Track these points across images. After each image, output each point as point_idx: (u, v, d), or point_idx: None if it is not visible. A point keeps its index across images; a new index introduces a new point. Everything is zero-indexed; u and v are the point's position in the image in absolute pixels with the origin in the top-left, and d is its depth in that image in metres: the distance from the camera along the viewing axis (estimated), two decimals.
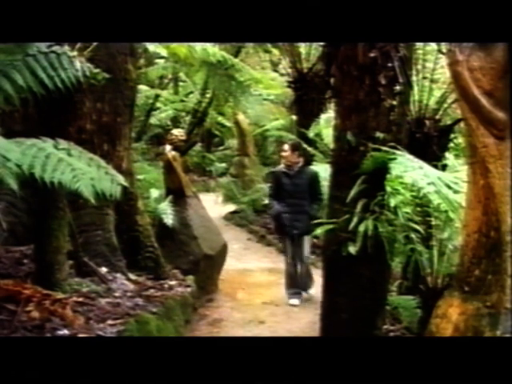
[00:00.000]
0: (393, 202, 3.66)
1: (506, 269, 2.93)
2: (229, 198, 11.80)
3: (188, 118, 11.60)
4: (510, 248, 2.92)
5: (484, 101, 2.83)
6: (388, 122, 3.90)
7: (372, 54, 3.78)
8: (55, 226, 4.29)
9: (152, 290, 5.17)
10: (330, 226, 4.03)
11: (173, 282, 5.60)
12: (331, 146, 4.54)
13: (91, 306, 4.32)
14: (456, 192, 3.32)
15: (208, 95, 10.49)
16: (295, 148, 6.06)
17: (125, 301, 4.64)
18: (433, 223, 3.91)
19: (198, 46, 7.67)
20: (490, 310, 2.94)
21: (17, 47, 3.53)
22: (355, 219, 3.78)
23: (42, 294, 3.95)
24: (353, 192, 3.81)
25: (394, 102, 3.87)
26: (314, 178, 5.96)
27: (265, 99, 11.16)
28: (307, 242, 6.00)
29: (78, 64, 3.70)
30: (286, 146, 6.13)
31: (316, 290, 5.87)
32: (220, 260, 6.77)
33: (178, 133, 7.18)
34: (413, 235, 3.74)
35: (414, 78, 4.72)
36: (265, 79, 10.03)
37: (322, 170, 6.78)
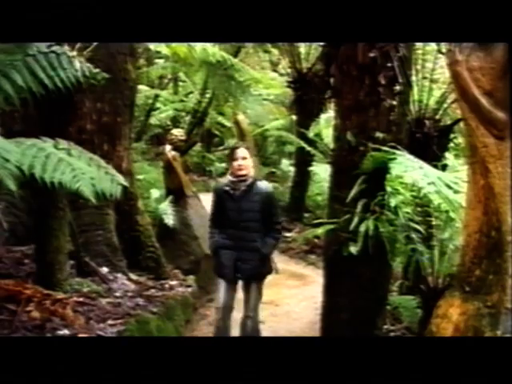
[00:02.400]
0: (393, 202, 3.66)
1: (506, 269, 2.93)
2: None
3: (188, 118, 11.59)
4: (510, 248, 2.92)
5: (484, 101, 2.83)
6: (388, 122, 3.90)
7: (372, 54, 3.79)
8: (56, 226, 4.29)
9: (153, 290, 5.17)
10: (331, 226, 4.03)
11: (173, 282, 5.61)
12: (331, 145, 4.54)
13: (92, 305, 4.32)
14: (456, 192, 3.32)
15: (208, 95, 10.48)
16: (248, 154, 4.02)
17: (125, 301, 4.65)
18: (433, 223, 3.91)
19: (198, 46, 7.67)
20: (490, 310, 2.94)
21: (17, 47, 3.53)
22: (356, 219, 3.78)
23: (42, 294, 3.95)
24: (353, 192, 3.82)
25: (394, 102, 3.88)
26: (269, 199, 3.96)
27: (265, 99, 11.17)
28: (256, 289, 4.06)
29: (77, 64, 3.70)
30: (240, 152, 3.96)
31: (316, 290, 5.87)
32: None
33: (178, 133, 7.18)
34: (413, 235, 3.74)
35: (414, 78, 4.73)
36: (265, 79, 10.03)
37: (322, 170, 6.78)
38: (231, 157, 3.96)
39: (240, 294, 4.11)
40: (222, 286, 4.01)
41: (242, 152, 3.94)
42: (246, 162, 3.92)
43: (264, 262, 3.94)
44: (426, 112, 5.03)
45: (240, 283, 4.05)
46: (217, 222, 4.06)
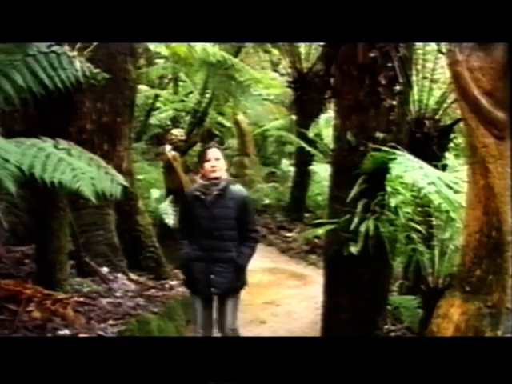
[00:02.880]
0: (393, 202, 3.66)
1: (506, 269, 2.94)
2: None
3: (188, 118, 11.58)
4: (510, 248, 2.92)
5: (484, 101, 2.83)
6: (388, 122, 3.90)
7: (372, 54, 3.79)
8: (56, 226, 4.30)
9: (153, 290, 5.18)
10: (331, 226, 4.03)
11: (174, 282, 5.61)
12: (331, 145, 4.54)
13: (92, 305, 4.32)
14: (456, 192, 3.32)
15: (208, 95, 10.48)
16: (221, 154, 3.64)
17: (126, 301, 4.65)
18: (434, 223, 3.90)
19: (198, 46, 7.67)
20: (491, 310, 2.94)
21: (17, 47, 3.53)
22: (356, 219, 3.78)
23: (43, 294, 3.95)
24: (353, 192, 3.82)
25: (394, 102, 3.88)
26: (244, 204, 3.60)
27: (265, 99, 11.16)
28: (232, 305, 3.68)
29: (77, 64, 3.71)
30: (212, 152, 3.58)
31: (317, 290, 5.87)
32: None
33: (178, 133, 7.19)
34: (414, 235, 3.74)
35: (414, 78, 4.72)
36: (265, 79, 10.02)
37: (322, 170, 6.78)
38: (202, 158, 3.57)
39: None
40: (196, 303, 3.61)
41: (214, 152, 3.57)
42: (219, 163, 3.54)
43: (240, 275, 3.59)
44: (426, 112, 5.03)
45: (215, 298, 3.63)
46: (186, 232, 3.62)
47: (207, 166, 3.53)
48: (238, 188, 3.64)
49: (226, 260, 3.51)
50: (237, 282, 3.58)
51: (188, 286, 3.70)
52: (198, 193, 3.55)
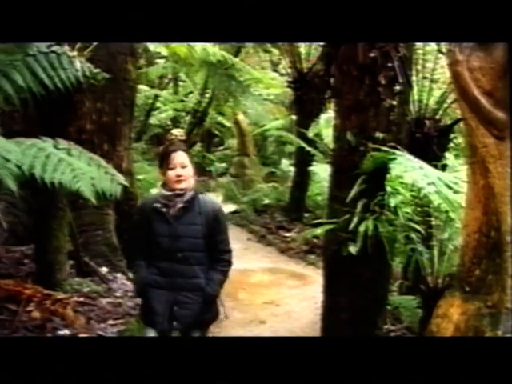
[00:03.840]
0: (393, 202, 3.66)
1: (506, 269, 2.93)
2: (229, 197, 11.80)
3: (188, 118, 11.60)
4: (510, 248, 2.92)
5: (484, 101, 2.83)
6: (388, 122, 3.90)
7: (372, 54, 3.78)
8: (55, 226, 4.30)
9: None
10: (331, 226, 4.03)
11: None
12: (331, 145, 4.54)
13: (92, 305, 4.33)
14: (456, 192, 3.32)
15: (208, 95, 10.49)
16: (188, 159, 2.96)
17: (125, 301, 4.66)
18: (433, 223, 3.91)
19: (198, 46, 7.68)
20: (490, 310, 2.94)
21: (17, 47, 3.53)
22: (355, 219, 3.78)
23: (42, 294, 3.95)
24: (353, 192, 3.82)
25: (394, 102, 3.88)
26: (216, 219, 2.95)
27: (265, 99, 11.17)
28: None
29: (77, 64, 3.71)
30: (178, 156, 2.90)
31: (317, 289, 5.88)
32: None
33: (178, 133, 7.16)
34: (413, 235, 3.74)
35: (414, 78, 4.73)
36: (265, 79, 10.03)
37: (322, 170, 6.78)
38: (166, 162, 2.88)
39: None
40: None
41: (181, 157, 2.88)
42: (186, 171, 2.87)
43: (209, 305, 2.93)
44: (426, 112, 5.03)
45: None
46: (143, 252, 2.94)
47: (171, 174, 2.86)
48: (208, 200, 2.99)
49: (192, 288, 2.86)
50: (205, 314, 2.91)
51: (143, 317, 2.97)
52: (158, 205, 2.88)
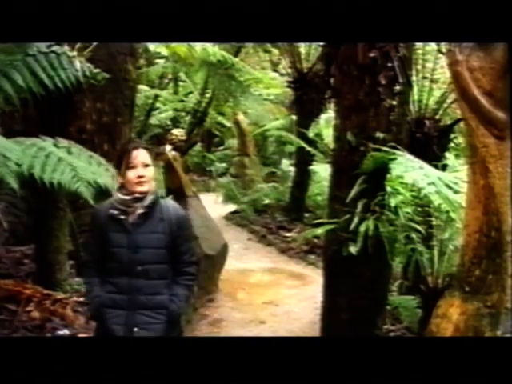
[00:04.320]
0: (393, 202, 3.66)
1: (506, 269, 2.94)
2: (229, 197, 11.81)
3: (188, 118, 11.59)
4: (510, 248, 2.92)
5: (484, 101, 2.83)
6: (388, 122, 3.90)
7: (372, 54, 3.79)
8: (56, 226, 4.30)
9: None
10: (331, 226, 4.03)
11: None
12: (331, 145, 4.55)
13: None
14: (456, 192, 3.32)
15: (208, 95, 10.49)
16: (150, 158, 2.62)
17: None
18: (433, 223, 3.91)
19: (198, 46, 7.67)
20: (490, 310, 2.94)
21: (17, 47, 3.53)
22: (356, 219, 3.78)
23: (42, 294, 3.95)
24: (353, 192, 3.82)
25: (394, 102, 3.88)
26: (180, 227, 2.63)
27: (265, 99, 11.17)
28: None
29: (77, 64, 3.71)
30: (140, 155, 2.54)
31: (316, 290, 5.88)
32: (220, 260, 6.77)
33: (178, 133, 7.18)
34: (413, 235, 3.75)
35: (414, 78, 4.73)
36: (265, 79, 10.02)
37: (322, 170, 6.79)
38: (126, 162, 2.52)
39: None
40: None
41: (142, 156, 2.54)
42: (148, 171, 2.54)
43: (174, 324, 2.62)
44: (426, 112, 5.03)
45: None
46: (97, 266, 2.59)
47: (131, 175, 2.50)
48: (171, 205, 2.66)
49: (154, 306, 2.53)
50: (169, 335, 2.60)
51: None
52: (114, 211, 2.52)
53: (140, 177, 2.50)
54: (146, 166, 2.54)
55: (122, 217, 2.52)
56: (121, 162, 2.55)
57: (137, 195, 2.52)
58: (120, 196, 2.54)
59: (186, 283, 2.65)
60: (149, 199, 2.54)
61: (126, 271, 2.51)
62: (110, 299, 2.52)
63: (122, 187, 2.56)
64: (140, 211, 2.53)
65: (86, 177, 3.20)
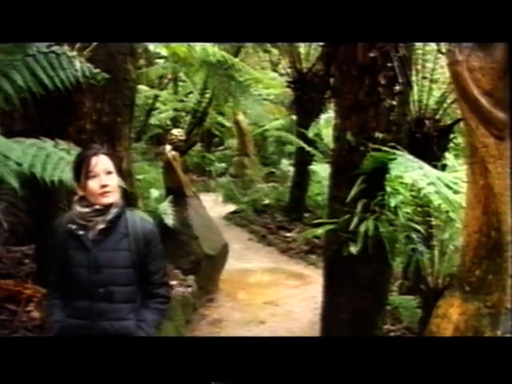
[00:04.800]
0: (393, 202, 3.66)
1: (506, 269, 2.93)
2: (229, 198, 11.82)
3: (188, 118, 11.60)
4: (510, 248, 2.92)
5: (484, 101, 2.83)
6: (388, 122, 3.90)
7: (372, 54, 3.79)
8: None
9: None
10: (331, 226, 4.03)
11: (173, 282, 5.60)
12: (331, 145, 4.55)
13: None
14: (456, 192, 3.32)
15: (208, 95, 10.49)
16: (112, 165, 2.33)
17: None
18: (433, 223, 3.91)
19: (198, 46, 7.67)
20: (490, 310, 2.94)
21: (17, 47, 3.53)
22: (356, 219, 3.78)
23: (42, 294, 3.95)
24: (353, 192, 3.82)
25: (394, 102, 3.88)
26: (148, 243, 2.36)
27: (265, 99, 11.16)
28: None
29: (77, 64, 3.71)
30: (101, 162, 2.28)
31: (316, 289, 5.88)
32: (221, 260, 6.78)
33: (178, 133, 7.18)
34: (413, 235, 3.75)
35: (414, 78, 4.73)
36: (265, 79, 10.02)
37: (322, 170, 6.79)
38: (85, 170, 2.23)
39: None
40: None
41: (103, 162, 2.25)
42: (112, 179, 2.25)
43: None
44: (426, 112, 5.03)
45: None
46: (58, 288, 2.36)
47: (93, 185, 2.22)
48: (138, 218, 2.38)
49: (117, 332, 2.29)
50: None
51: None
52: (72, 226, 2.26)
53: (104, 186, 2.22)
54: (109, 173, 2.25)
55: (81, 232, 2.25)
56: (79, 171, 2.26)
57: (97, 207, 2.24)
58: (79, 209, 2.27)
59: (156, 307, 2.37)
60: (112, 212, 2.26)
61: (87, 293, 2.24)
62: (70, 325, 2.29)
63: (82, 199, 2.28)
64: (101, 226, 2.24)
65: None
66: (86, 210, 2.25)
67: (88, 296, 2.25)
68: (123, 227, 2.30)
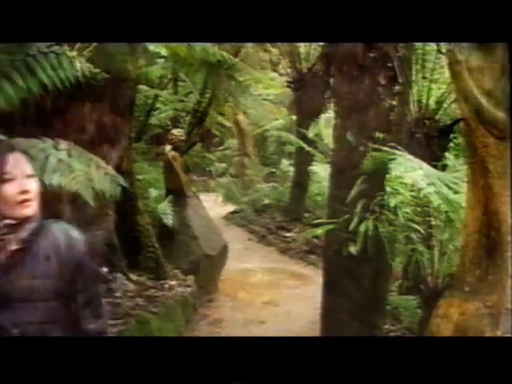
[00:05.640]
0: (393, 202, 3.67)
1: (506, 269, 2.94)
2: (229, 198, 11.83)
3: (188, 118, 11.60)
4: (510, 248, 2.92)
5: (484, 101, 2.83)
6: (388, 122, 3.90)
7: (372, 54, 3.79)
8: None
9: (152, 290, 5.18)
10: (331, 226, 4.03)
11: (173, 282, 5.61)
12: (331, 146, 4.55)
13: None
14: (456, 192, 3.33)
15: (208, 95, 10.48)
16: (31, 167, 1.73)
17: (125, 301, 4.65)
18: (433, 223, 3.91)
19: (198, 46, 7.67)
20: (490, 310, 2.94)
21: (17, 47, 3.53)
22: (355, 219, 3.78)
23: None
24: (353, 192, 3.82)
25: (394, 102, 3.88)
26: (77, 263, 1.76)
27: (265, 99, 11.16)
28: None
29: (77, 64, 3.70)
30: (17, 159, 1.68)
31: (316, 290, 5.88)
32: (221, 260, 6.78)
33: (178, 133, 7.19)
34: (413, 235, 3.75)
35: (414, 78, 4.73)
36: (264, 79, 10.02)
37: (322, 170, 6.79)
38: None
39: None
40: None
41: (23, 163, 1.72)
42: (32, 183, 1.71)
43: None
44: (426, 112, 5.03)
45: None
46: None
47: (10, 191, 1.65)
48: (63, 234, 1.78)
49: None
50: None
51: None
52: None
53: (24, 192, 1.66)
54: (29, 176, 1.71)
55: None
56: None
57: (8, 222, 1.66)
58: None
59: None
60: (28, 228, 1.69)
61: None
62: None
63: None
64: (13, 247, 1.68)
65: (85, 179, 3.20)
66: (5, 222, 1.67)
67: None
68: (43, 247, 1.72)
